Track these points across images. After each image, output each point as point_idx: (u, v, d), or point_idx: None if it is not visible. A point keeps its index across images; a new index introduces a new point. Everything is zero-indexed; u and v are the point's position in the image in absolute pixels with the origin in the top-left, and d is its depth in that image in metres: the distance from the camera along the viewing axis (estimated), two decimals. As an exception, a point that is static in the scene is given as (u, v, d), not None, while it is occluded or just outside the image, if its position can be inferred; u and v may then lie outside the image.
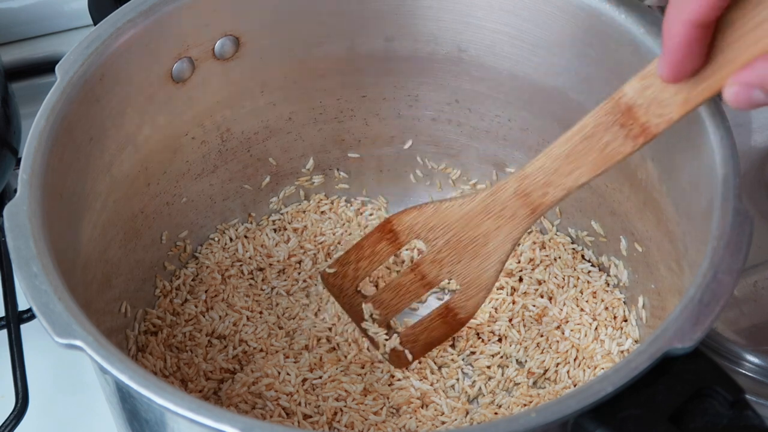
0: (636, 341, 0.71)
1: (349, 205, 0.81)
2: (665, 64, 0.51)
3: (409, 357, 0.71)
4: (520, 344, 0.73)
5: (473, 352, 0.73)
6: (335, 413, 0.68)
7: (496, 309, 0.74)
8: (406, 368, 0.71)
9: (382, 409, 0.69)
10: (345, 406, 0.69)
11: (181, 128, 0.72)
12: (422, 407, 0.70)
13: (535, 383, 0.72)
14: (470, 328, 0.73)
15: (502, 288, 0.75)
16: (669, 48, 0.50)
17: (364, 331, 0.71)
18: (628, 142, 0.54)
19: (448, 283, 0.77)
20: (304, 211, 0.80)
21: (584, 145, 0.56)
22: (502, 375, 0.72)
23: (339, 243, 0.79)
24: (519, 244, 0.77)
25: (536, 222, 0.59)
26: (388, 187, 0.82)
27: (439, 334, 0.71)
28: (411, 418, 0.69)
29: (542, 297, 0.75)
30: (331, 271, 0.71)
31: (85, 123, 0.63)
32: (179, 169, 0.74)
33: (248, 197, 0.79)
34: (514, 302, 0.75)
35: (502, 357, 0.73)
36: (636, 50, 0.64)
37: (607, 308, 0.73)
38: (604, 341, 0.72)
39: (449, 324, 0.70)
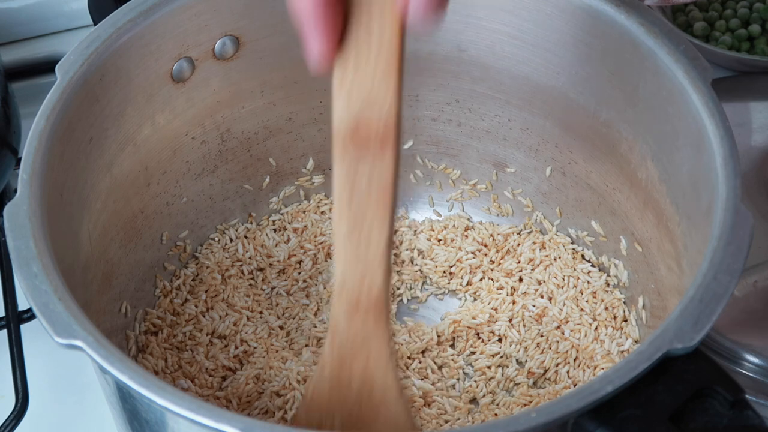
0: (636, 341, 0.71)
1: (349, 205, 0.81)
2: (310, 51, 0.44)
3: None
4: (520, 344, 0.73)
5: (473, 352, 0.73)
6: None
7: (496, 309, 0.74)
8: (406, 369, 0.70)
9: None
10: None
11: (181, 128, 0.72)
12: (425, 406, 0.70)
13: (535, 383, 0.72)
14: (470, 328, 0.73)
15: (501, 288, 0.75)
16: (305, 32, 0.44)
17: None
18: (378, 162, 0.44)
19: (448, 283, 0.78)
20: (304, 211, 0.80)
21: (353, 201, 0.45)
22: (502, 375, 0.72)
23: (339, 243, 0.79)
24: (519, 244, 0.77)
25: (389, 325, 0.46)
26: (388, 187, 0.82)
27: None
28: (414, 417, 0.69)
29: (542, 297, 0.75)
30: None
31: (85, 123, 0.63)
32: (179, 169, 0.74)
33: (248, 197, 0.79)
34: (514, 302, 0.75)
35: (502, 357, 0.73)
36: (636, 50, 0.64)
37: (607, 308, 0.73)
38: (604, 341, 0.72)
39: None
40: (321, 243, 0.79)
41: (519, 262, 0.76)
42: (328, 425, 0.48)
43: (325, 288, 0.75)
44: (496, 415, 0.70)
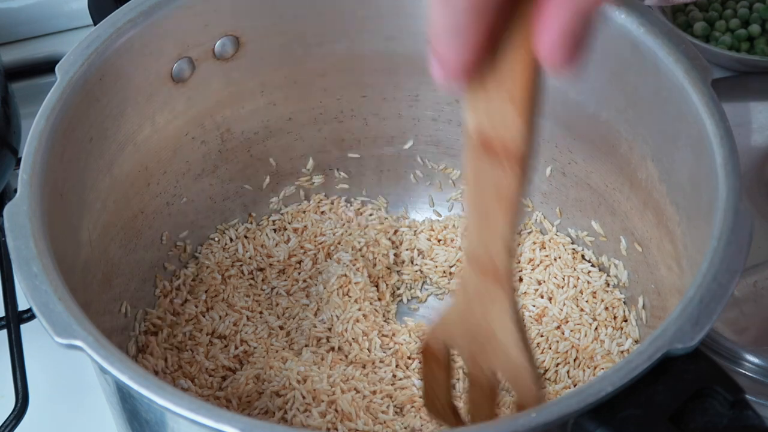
0: (636, 341, 0.71)
1: (349, 205, 0.81)
2: (448, 58, 0.41)
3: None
4: (520, 344, 0.73)
5: (473, 352, 0.73)
6: (343, 410, 0.68)
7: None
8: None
9: (388, 407, 0.69)
10: (355, 405, 0.69)
11: (181, 128, 0.72)
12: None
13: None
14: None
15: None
16: (452, 34, 0.40)
17: None
18: (507, 174, 0.45)
19: (448, 283, 0.78)
20: (304, 211, 0.80)
21: (479, 197, 0.47)
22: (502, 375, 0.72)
23: (339, 243, 0.79)
24: (519, 244, 0.77)
25: (514, 293, 0.51)
26: (388, 187, 0.82)
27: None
28: (415, 416, 0.69)
29: (542, 297, 0.75)
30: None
31: (85, 123, 0.63)
32: (179, 169, 0.74)
33: (248, 197, 0.79)
34: (514, 302, 0.75)
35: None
36: (636, 50, 0.64)
37: (607, 308, 0.73)
38: (604, 341, 0.72)
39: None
40: (321, 243, 0.79)
41: (519, 262, 0.76)
42: (454, 347, 0.55)
43: (325, 288, 0.75)
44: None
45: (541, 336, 0.73)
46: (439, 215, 0.81)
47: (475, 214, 0.48)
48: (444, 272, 0.78)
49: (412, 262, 0.79)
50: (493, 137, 0.44)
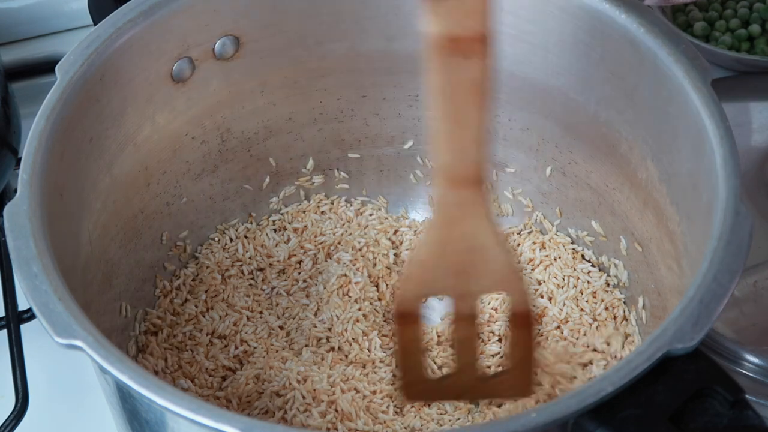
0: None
1: (349, 205, 0.81)
2: None
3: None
4: (520, 344, 0.73)
5: (473, 352, 0.73)
6: (343, 410, 0.68)
7: (496, 309, 0.74)
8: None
9: (388, 407, 0.69)
10: (355, 404, 0.69)
11: (181, 128, 0.72)
12: (425, 406, 0.70)
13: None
14: (470, 328, 0.73)
15: (502, 288, 0.75)
16: None
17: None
18: (478, 61, 0.48)
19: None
20: (304, 211, 0.80)
21: (447, 94, 0.49)
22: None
23: (339, 243, 0.79)
24: (519, 244, 0.77)
25: (488, 193, 0.55)
26: (388, 187, 0.82)
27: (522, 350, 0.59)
28: (415, 416, 0.69)
29: (542, 297, 0.75)
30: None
31: (85, 123, 0.63)
32: (179, 169, 0.74)
33: (248, 197, 0.79)
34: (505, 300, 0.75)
35: (502, 357, 0.73)
36: (636, 50, 0.64)
37: (607, 308, 0.73)
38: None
39: (520, 329, 0.58)
40: (321, 243, 0.79)
41: (519, 262, 0.76)
42: (439, 271, 0.55)
43: (325, 288, 0.75)
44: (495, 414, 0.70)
45: (541, 336, 0.73)
46: (439, 215, 0.81)
47: (447, 122, 0.50)
48: (444, 272, 0.78)
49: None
50: (460, 32, 0.47)
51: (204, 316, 0.74)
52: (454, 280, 0.55)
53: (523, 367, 0.58)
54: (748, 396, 0.50)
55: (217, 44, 0.70)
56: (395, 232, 0.80)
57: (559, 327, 0.73)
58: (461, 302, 0.56)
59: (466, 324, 0.57)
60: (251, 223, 0.80)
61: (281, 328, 0.74)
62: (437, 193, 0.52)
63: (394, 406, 0.70)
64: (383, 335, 0.73)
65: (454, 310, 0.56)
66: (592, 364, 0.67)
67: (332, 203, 0.81)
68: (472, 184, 0.51)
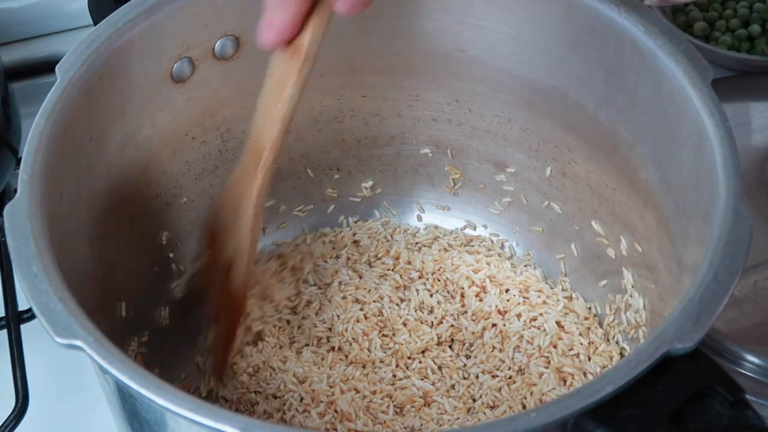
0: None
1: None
2: (272, 22, 0.58)
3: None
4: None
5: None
6: (342, 410, 0.68)
7: (499, 310, 0.74)
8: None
9: (388, 407, 0.69)
10: (354, 405, 0.69)
11: (181, 128, 0.72)
12: (425, 406, 0.70)
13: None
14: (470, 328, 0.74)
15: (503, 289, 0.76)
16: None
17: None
18: (295, 61, 0.60)
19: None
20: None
21: (273, 87, 0.62)
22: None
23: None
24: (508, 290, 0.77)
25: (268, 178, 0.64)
26: (388, 187, 0.82)
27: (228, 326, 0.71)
28: (415, 416, 0.69)
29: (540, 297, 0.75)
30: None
31: (85, 123, 0.63)
32: (179, 169, 0.74)
33: (248, 197, 0.79)
34: (509, 300, 0.75)
35: (502, 357, 0.73)
36: (636, 50, 0.64)
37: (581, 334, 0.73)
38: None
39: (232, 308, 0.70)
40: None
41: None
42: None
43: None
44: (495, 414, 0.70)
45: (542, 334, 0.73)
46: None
47: (266, 103, 0.62)
48: (444, 272, 0.78)
49: (411, 263, 0.79)
50: (297, 44, 0.60)
51: (204, 316, 0.74)
52: (221, 235, 0.68)
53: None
54: (748, 396, 0.50)
55: (217, 44, 0.70)
56: (395, 231, 0.80)
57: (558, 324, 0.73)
58: (217, 254, 0.68)
59: (216, 269, 0.69)
60: (251, 223, 0.80)
61: (288, 322, 0.74)
62: (243, 153, 0.65)
63: (394, 406, 0.70)
64: (383, 335, 0.73)
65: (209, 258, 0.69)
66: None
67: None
68: (258, 159, 0.64)
